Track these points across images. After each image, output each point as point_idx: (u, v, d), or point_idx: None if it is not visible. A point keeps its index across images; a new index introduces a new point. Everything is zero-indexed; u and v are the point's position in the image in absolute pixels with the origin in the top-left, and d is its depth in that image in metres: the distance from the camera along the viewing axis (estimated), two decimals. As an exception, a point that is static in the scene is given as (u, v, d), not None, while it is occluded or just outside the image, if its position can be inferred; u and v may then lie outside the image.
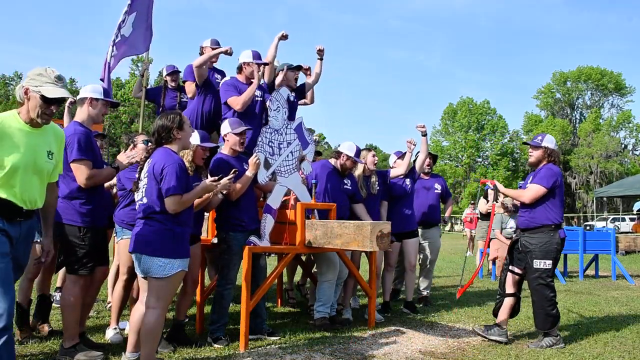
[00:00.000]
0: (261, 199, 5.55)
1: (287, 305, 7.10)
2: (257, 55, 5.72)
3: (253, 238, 5.07)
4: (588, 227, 25.35)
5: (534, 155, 5.35)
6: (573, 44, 79.80)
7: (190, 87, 6.12)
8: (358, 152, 6.09)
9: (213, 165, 4.94)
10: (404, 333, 5.57)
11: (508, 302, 5.40)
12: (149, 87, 7.08)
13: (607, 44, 78.40)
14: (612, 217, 33.49)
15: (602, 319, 6.50)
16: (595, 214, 38.22)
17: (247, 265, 4.93)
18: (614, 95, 55.00)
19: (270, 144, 5.35)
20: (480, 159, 55.18)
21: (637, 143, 53.01)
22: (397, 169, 6.73)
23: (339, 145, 6.05)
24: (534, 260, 5.18)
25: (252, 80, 5.65)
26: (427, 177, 7.45)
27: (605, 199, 43.34)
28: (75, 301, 4.29)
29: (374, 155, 6.38)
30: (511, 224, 9.49)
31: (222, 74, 6.51)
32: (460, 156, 54.73)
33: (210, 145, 4.89)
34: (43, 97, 3.28)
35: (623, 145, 52.02)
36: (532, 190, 5.20)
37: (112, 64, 6.30)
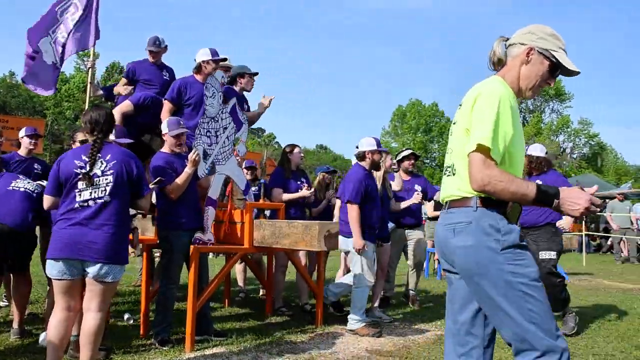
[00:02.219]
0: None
1: (281, 314, 6.57)
2: (214, 53, 5.63)
3: (198, 234, 5.00)
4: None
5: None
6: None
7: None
8: (379, 142, 6.04)
9: (152, 164, 4.90)
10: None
11: None
12: (95, 82, 6.86)
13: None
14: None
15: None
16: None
17: (194, 265, 4.86)
18: (554, 101, 56.98)
19: (208, 133, 5.23)
20: (428, 160, 56.16)
21: (575, 147, 55.26)
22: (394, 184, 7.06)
23: (356, 147, 6.00)
24: (540, 252, 5.60)
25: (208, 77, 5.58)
26: (408, 178, 7.44)
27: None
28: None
29: (391, 159, 6.48)
30: None
31: (171, 73, 6.40)
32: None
33: (126, 141, 4.61)
34: (555, 66, 2.40)
35: (562, 149, 54.04)
36: None
37: (60, 60, 6.17)
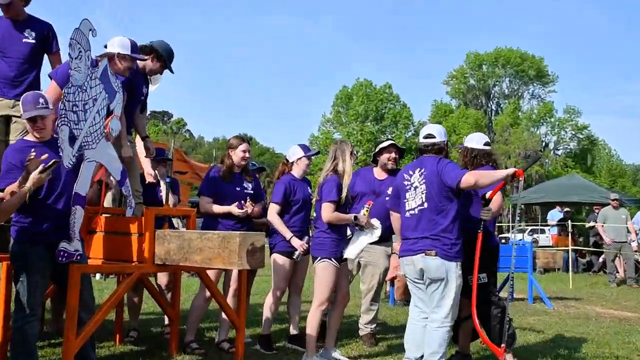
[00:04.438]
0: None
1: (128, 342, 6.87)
2: (134, 47, 5.65)
3: (63, 245, 4.87)
4: (503, 241, 26.69)
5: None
6: (490, 22, 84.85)
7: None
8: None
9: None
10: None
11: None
12: None
13: (528, 25, 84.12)
14: (530, 228, 35.47)
15: (515, 351, 6.76)
16: (511, 224, 40.39)
17: (71, 289, 4.72)
18: (535, 84, 58.94)
19: (74, 108, 4.91)
20: (379, 157, 57.05)
21: (560, 141, 57.15)
22: None
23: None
24: (469, 277, 5.68)
25: (123, 72, 5.58)
26: (382, 178, 7.40)
27: (522, 206, 46.10)
28: None
29: (352, 153, 6.57)
30: None
31: (42, 30, 6.18)
32: (355, 152, 56.15)
33: None
34: None
35: (544, 143, 55.89)
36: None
37: None
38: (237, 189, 6.69)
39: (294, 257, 6.66)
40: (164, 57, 6.29)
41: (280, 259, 6.75)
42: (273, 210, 6.70)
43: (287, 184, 6.74)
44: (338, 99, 57.58)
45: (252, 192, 6.79)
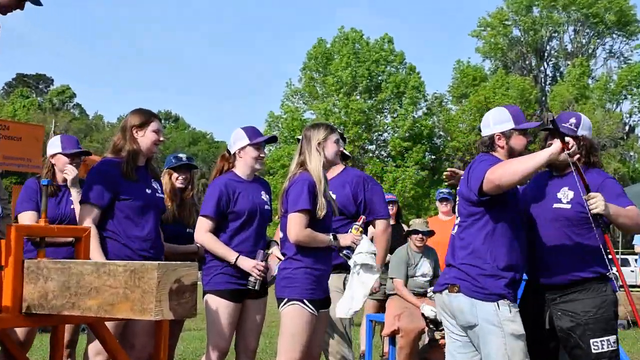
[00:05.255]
0: None
1: None
2: None
3: None
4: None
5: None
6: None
7: None
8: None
9: None
10: None
11: None
12: None
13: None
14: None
15: None
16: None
17: None
18: (614, 35, 59.08)
19: None
20: (372, 146, 57.04)
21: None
22: None
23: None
24: (592, 341, 5.57)
25: None
26: (334, 176, 7.44)
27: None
28: None
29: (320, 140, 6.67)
30: (424, 267, 9.85)
31: None
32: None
33: None
34: None
35: (627, 127, 56.14)
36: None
37: None
38: (147, 191, 6.71)
39: (250, 285, 6.64)
40: None
41: (216, 302, 6.71)
42: (202, 227, 6.77)
43: (222, 188, 6.77)
44: (311, 60, 57.49)
45: (162, 196, 6.90)
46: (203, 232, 6.74)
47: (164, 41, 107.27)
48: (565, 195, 5.72)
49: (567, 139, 5.40)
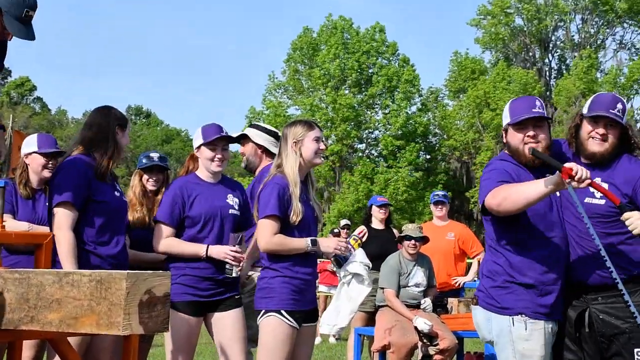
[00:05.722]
0: None
1: None
2: None
3: None
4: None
5: (610, 139, 5.72)
6: None
7: None
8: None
9: None
10: None
11: None
12: None
13: None
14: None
15: None
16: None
17: None
18: (625, 25, 59.26)
19: None
20: (362, 145, 57.08)
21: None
22: None
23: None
24: (636, 350, 5.49)
25: None
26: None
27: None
28: None
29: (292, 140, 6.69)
30: (417, 277, 9.85)
31: None
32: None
33: None
34: None
35: (639, 124, 56.07)
36: None
37: None
38: (116, 194, 6.76)
39: (227, 273, 6.64)
40: None
41: (172, 315, 6.53)
42: (158, 235, 6.85)
43: (177, 191, 6.87)
44: (296, 51, 57.62)
45: (126, 199, 6.97)
46: (161, 240, 6.79)
47: (135, 28, 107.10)
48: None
49: (569, 164, 5.15)
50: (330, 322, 6.43)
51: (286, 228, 6.25)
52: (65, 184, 6.54)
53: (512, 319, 5.38)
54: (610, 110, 5.59)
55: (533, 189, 5.20)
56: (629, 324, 5.41)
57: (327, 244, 6.34)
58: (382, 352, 10.64)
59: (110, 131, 6.68)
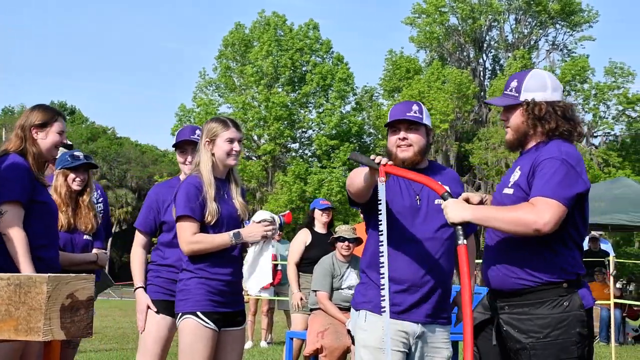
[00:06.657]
0: None
1: None
2: None
3: None
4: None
5: (511, 123, 5.39)
6: None
7: None
8: None
9: None
10: None
11: None
12: None
13: None
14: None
15: None
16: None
17: None
18: (558, 26, 59.94)
19: None
20: (296, 145, 57.17)
21: (598, 122, 57.86)
22: None
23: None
24: None
25: None
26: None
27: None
28: None
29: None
30: (351, 279, 9.82)
31: None
32: (253, 136, 56.11)
33: None
34: None
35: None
36: (542, 208, 5.12)
37: None
38: (50, 195, 6.73)
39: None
40: None
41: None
42: (136, 242, 7.15)
43: (152, 197, 7.21)
44: (228, 47, 57.75)
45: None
46: (138, 247, 7.00)
47: (56, 17, 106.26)
48: (514, 177, 5.23)
49: (378, 158, 5.38)
50: (257, 283, 6.49)
51: (204, 229, 6.24)
52: (11, 180, 6.37)
53: (359, 312, 5.81)
54: (407, 114, 5.81)
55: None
56: (532, 339, 5.11)
57: (252, 232, 6.27)
58: (315, 355, 10.63)
59: (27, 133, 6.51)
